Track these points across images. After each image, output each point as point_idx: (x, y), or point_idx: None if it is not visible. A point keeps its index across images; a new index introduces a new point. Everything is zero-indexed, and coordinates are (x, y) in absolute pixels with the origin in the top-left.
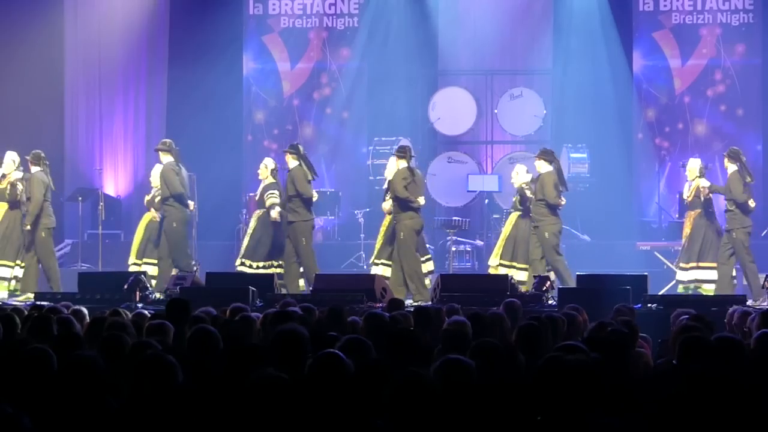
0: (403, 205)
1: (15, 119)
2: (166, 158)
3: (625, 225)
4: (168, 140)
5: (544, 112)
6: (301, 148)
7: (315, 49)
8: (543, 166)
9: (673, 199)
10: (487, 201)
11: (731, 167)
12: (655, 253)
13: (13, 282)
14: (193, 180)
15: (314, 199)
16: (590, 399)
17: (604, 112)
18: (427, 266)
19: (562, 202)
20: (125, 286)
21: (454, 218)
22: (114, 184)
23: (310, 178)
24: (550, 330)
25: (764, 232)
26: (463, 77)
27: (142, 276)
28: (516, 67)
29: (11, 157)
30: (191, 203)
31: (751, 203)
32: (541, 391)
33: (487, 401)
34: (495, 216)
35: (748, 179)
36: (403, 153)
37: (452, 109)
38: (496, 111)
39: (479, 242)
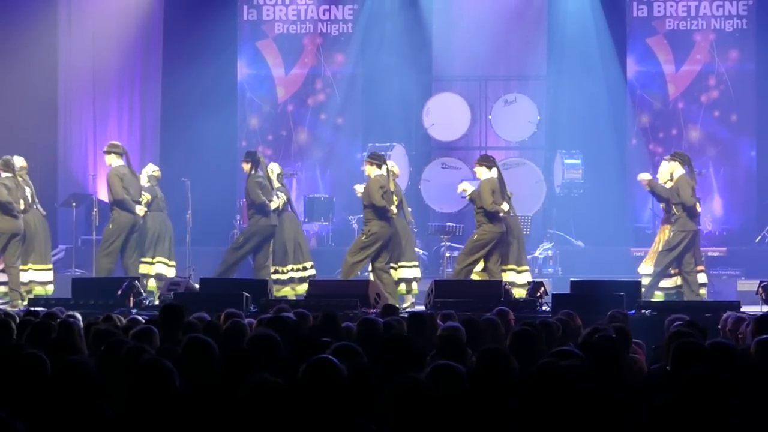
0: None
1: (8, 124)
2: (117, 161)
3: (619, 231)
4: (118, 142)
5: (538, 117)
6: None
7: (309, 55)
8: (483, 173)
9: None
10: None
11: (679, 170)
12: None
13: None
14: (186, 185)
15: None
16: (584, 404)
17: (598, 117)
18: (413, 272)
19: (503, 209)
20: (119, 292)
21: (447, 224)
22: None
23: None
24: (544, 335)
25: (758, 238)
26: (457, 83)
27: (136, 281)
28: (510, 72)
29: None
30: (138, 208)
31: (698, 207)
32: (535, 396)
33: (479, 407)
34: None
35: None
36: (380, 161)
37: (446, 115)
38: (490, 117)
39: None
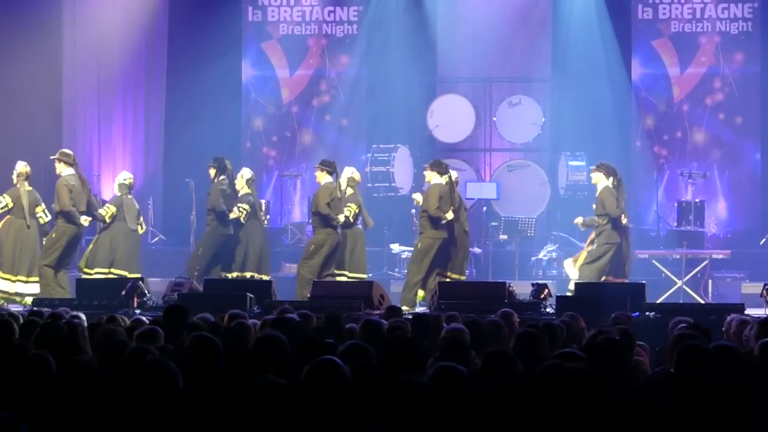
0: (323, 220)
1: (13, 126)
2: (67, 170)
3: None
4: (71, 152)
5: (543, 119)
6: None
7: (314, 56)
8: (434, 178)
9: (671, 207)
10: (485, 208)
11: (603, 182)
12: (654, 261)
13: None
14: (191, 186)
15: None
16: (587, 406)
17: (603, 119)
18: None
19: (446, 216)
20: (123, 293)
21: None
22: (112, 190)
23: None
24: (548, 337)
25: (762, 241)
26: (461, 85)
27: (140, 282)
28: (514, 74)
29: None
30: (83, 218)
31: (623, 219)
32: (539, 398)
33: (482, 408)
34: (493, 224)
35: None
36: (331, 168)
37: (451, 117)
38: (494, 119)
39: (477, 250)
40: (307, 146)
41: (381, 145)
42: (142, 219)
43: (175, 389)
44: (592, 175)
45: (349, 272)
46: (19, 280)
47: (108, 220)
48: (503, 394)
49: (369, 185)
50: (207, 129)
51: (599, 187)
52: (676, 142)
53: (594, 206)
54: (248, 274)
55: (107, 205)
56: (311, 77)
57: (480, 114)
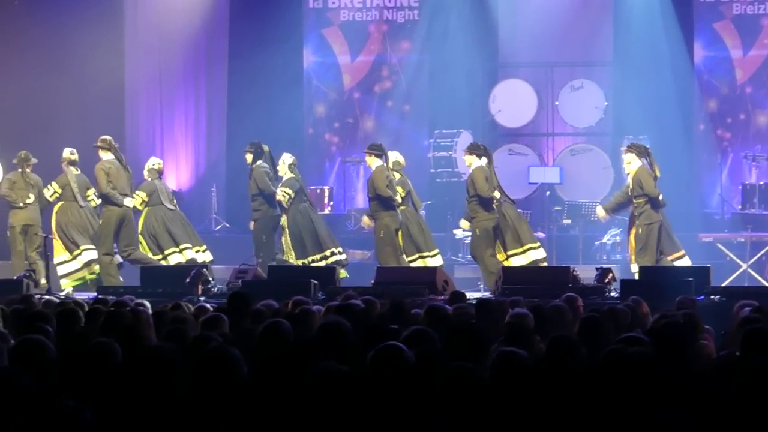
0: (385, 203)
1: (76, 113)
2: (106, 155)
3: (687, 217)
4: (108, 137)
5: (605, 103)
6: (265, 147)
7: (375, 42)
8: (474, 161)
9: (735, 190)
10: (548, 193)
11: (636, 162)
12: (718, 244)
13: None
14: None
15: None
16: (651, 391)
17: (665, 103)
18: (436, 261)
19: (497, 196)
20: (187, 280)
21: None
22: (175, 177)
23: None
24: (612, 322)
25: None
26: (523, 69)
27: (204, 270)
28: (576, 58)
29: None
30: (127, 200)
31: (661, 197)
32: (603, 382)
33: (545, 393)
34: (556, 208)
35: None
36: (380, 151)
37: (513, 102)
38: (557, 103)
39: (541, 234)
40: (370, 132)
41: (443, 131)
42: (175, 201)
43: (239, 376)
44: (624, 156)
45: (429, 252)
46: (84, 250)
47: (141, 208)
48: (567, 379)
49: (432, 170)
50: (269, 116)
51: (634, 168)
52: (739, 124)
53: (628, 187)
54: (328, 252)
55: (136, 192)
56: (372, 63)
57: (542, 98)
